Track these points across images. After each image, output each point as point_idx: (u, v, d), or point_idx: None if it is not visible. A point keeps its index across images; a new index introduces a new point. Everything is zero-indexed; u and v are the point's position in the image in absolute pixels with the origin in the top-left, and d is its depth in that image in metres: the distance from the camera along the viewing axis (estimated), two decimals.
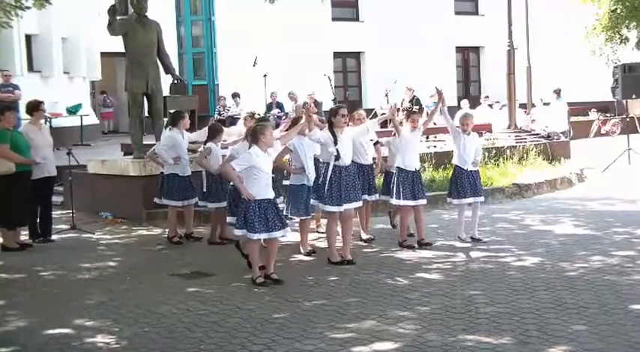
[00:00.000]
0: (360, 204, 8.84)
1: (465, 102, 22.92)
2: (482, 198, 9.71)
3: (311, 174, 8.66)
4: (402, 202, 9.23)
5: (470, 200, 9.49)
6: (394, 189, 9.27)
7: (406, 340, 5.86)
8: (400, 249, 9.20)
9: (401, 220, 9.47)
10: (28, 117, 10.44)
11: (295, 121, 8.85)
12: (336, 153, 8.36)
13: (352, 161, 8.76)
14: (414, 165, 9.25)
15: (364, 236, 9.77)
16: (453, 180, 9.56)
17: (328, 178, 8.38)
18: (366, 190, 9.39)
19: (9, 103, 14.90)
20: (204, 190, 9.80)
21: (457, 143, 9.48)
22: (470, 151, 9.45)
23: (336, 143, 8.39)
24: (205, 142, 9.85)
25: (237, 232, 7.79)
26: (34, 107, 10.29)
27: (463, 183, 9.42)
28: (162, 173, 10.09)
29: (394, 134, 9.55)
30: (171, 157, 9.86)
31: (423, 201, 9.34)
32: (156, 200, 10.23)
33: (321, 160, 8.72)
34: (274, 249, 7.87)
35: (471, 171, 9.42)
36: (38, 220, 10.29)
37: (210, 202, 9.86)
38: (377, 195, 9.72)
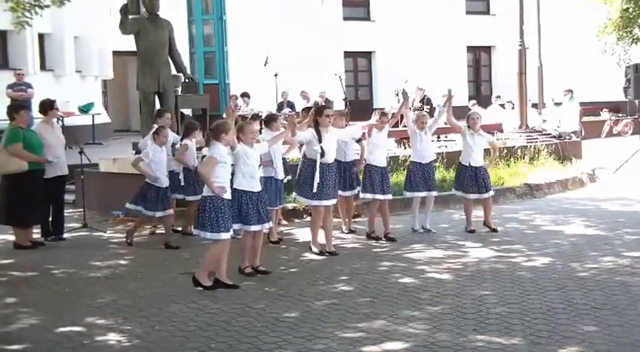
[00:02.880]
0: (335, 201, 9.28)
1: (473, 102, 22.91)
2: (434, 193, 10.35)
3: (279, 168, 9.19)
4: (370, 196, 9.77)
5: (423, 193, 10.15)
6: (365, 183, 9.80)
7: (416, 340, 5.86)
8: (411, 248, 9.22)
9: (369, 213, 10.01)
10: (41, 116, 10.49)
11: (273, 118, 9.66)
12: (320, 151, 8.76)
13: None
14: (382, 162, 9.83)
15: (345, 229, 10.33)
16: (408, 175, 10.26)
17: (317, 174, 8.80)
18: (347, 186, 9.90)
19: (22, 102, 14.98)
20: (182, 184, 10.21)
21: (414, 141, 10.18)
22: (427, 147, 10.20)
23: (320, 141, 8.79)
24: (182, 139, 10.25)
25: (234, 226, 7.90)
26: (47, 106, 10.33)
27: (417, 178, 10.09)
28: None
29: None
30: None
31: (389, 197, 9.89)
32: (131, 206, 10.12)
33: (307, 156, 9.11)
34: (260, 241, 8.09)
35: (427, 167, 10.11)
36: (50, 218, 10.34)
37: (187, 195, 10.29)
38: (356, 189, 10.08)
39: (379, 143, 9.83)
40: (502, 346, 5.69)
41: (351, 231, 10.27)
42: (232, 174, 7.85)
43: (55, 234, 10.31)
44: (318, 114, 9.00)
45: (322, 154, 8.76)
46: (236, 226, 7.87)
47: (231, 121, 7.95)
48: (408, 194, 10.31)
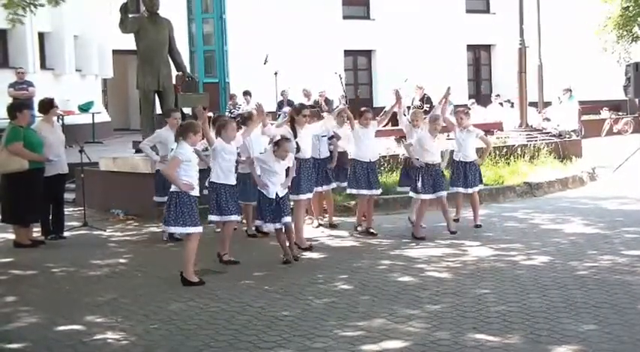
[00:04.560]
0: (311, 195, 9.67)
1: (472, 101, 22.94)
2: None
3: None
4: (355, 191, 10.02)
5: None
6: (350, 179, 10.05)
7: (416, 338, 5.86)
8: (410, 247, 9.23)
9: (358, 209, 10.24)
10: (41, 114, 10.49)
11: (249, 117, 9.64)
12: (296, 146, 9.14)
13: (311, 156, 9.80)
14: (368, 157, 9.99)
15: (320, 221, 10.67)
16: (404, 171, 10.44)
17: (293, 169, 9.06)
18: (320, 181, 10.16)
19: (23, 100, 14.99)
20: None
21: (409, 138, 10.27)
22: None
23: (295, 137, 9.19)
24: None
25: (213, 218, 8.44)
26: (47, 105, 10.33)
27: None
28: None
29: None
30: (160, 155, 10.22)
31: (377, 192, 10.09)
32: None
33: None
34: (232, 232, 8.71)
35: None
36: (50, 217, 10.35)
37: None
38: (331, 185, 10.38)
39: (362, 139, 10.00)
40: (502, 345, 5.69)
41: (320, 225, 10.58)
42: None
43: (55, 232, 10.32)
44: (296, 112, 9.42)
45: (298, 149, 9.16)
46: (215, 218, 8.41)
47: (201, 122, 8.22)
48: (400, 188, 10.52)
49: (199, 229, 7.73)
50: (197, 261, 7.91)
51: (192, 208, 7.64)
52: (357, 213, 10.31)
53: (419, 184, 9.63)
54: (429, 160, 9.65)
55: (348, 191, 10.25)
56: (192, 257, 7.74)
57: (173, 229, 7.77)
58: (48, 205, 10.26)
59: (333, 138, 10.42)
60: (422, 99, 19.55)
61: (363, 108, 10.41)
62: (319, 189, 10.30)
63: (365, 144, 10.01)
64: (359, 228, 10.13)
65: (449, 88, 10.72)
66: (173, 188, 7.66)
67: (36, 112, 12.37)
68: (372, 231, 9.98)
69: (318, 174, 10.18)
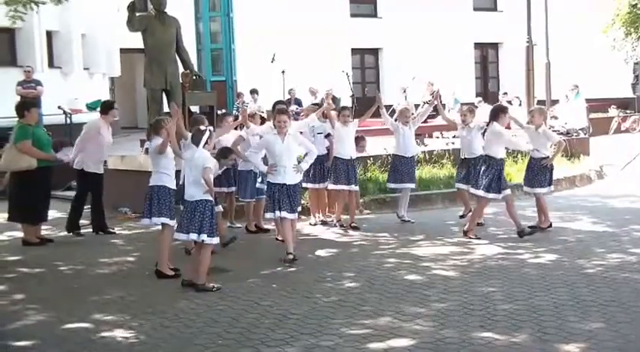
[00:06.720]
0: None
1: (479, 100, 22.90)
2: (412, 185, 10.83)
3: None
4: (337, 187, 10.31)
5: (408, 185, 10.65)
6: (331, 175, 10.28)
7: (422, 337, 5.87)
8: (417, 245, 9.24)
9: (337, 204, 10.54)
10: (99, 115, 10.77)
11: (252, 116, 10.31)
12: None
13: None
14: (348, 154, 10.33)
15: (314, 220, 10.78)
16: (392, 168, 10.77)
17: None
18: (317, 178, 10.40)
19: (31, 99, 15.05)
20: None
21: (397, 135, 10.69)
22: (410, 142, 10.69)
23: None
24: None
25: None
26: (108, 107, 10.69)
27: (402, 171, 10.55)
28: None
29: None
30: None
31: (356, 188, 10.45)
32: None
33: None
34: None
35: (410, 160, 10.66)
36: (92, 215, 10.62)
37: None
38: (327, 182, 10.46)
39: (342, 137, 10.31)
40: (509, 343, 5.69)
41: (324, 223, 10.66)
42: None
43: (101, 228, 10.54)
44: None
45: None
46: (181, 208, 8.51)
47: (174, 119, 8.34)
48: (392, 185, 10.77)
49: (175, 222, 7.97)
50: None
51: (171, 201, 8.04)
52: (336, 209, 10.59)
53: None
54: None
55: (330, 186, 10.45)
56: (167, 248, 8.05)
57: (156, 219, 8.03)
58: (82, 203, 10.55)
59: (330, 135, 10.52)
60: (432, 95, 19.50)
61: (342, 106, 10.65)
62: (315, 186, 10.49)
63: (345, 141, 10.32)
64: (338, 224, 10.34)
65: (438, 91, 11.06)
66: (152, 182, 8.01)
67: (45, 111, 12.43)
68: (354, 225, 10.26)
69: (315, 171, 10.32)
